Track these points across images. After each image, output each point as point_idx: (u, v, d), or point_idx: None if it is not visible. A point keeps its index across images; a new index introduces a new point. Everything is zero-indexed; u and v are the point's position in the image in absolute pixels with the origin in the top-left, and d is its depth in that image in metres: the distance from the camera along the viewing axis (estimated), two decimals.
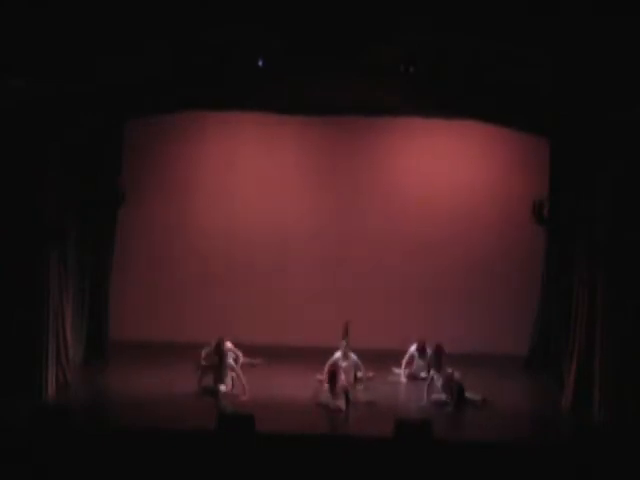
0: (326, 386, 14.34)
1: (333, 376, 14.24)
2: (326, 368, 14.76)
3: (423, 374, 15.58)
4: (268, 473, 11.64)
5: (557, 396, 14.64)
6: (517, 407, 14.41)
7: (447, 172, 18.11)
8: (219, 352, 14.81)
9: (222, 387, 14.59)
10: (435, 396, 14.38)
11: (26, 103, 13.20)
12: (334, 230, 18.19)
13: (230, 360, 14.89)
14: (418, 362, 15.91)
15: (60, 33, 12.26)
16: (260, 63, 13.14)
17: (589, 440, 11.73)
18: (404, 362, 15.87)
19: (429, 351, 15.66)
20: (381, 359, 16.15)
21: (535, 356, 16.93)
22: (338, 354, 15.13)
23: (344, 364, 14.99)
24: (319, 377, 15.00)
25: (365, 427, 13.29)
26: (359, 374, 15.30)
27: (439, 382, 14.54)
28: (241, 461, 11.70)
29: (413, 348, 15.92)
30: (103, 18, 12.09)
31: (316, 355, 15.50)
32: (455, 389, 14.23)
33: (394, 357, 16.07)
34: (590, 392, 13.82)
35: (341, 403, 13.85)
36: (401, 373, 15.86)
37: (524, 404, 14.71)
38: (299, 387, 14.94)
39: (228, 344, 15.30)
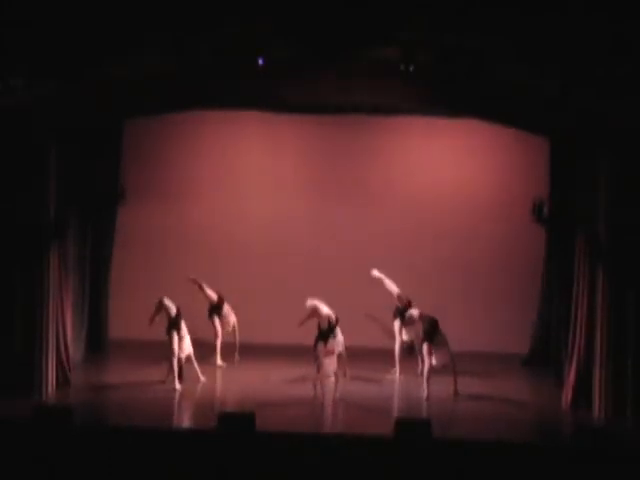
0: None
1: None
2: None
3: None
4: (268, 472, 11.65)
5: (557, 395, 14.65)
6: (517, 406, 14.41)
7: (447, 171, 18.12)
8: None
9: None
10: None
11: (26, 103, 13.20)
12: (334, 229, 18.21)
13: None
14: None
15: (60, 33, 12.26)
16: (260, 62, 13.12)
17: (589, 440, 11.72)
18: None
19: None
20: (379, 357, 16.21)
21: (535, 355, 16.95)
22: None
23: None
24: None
25: (364, 426, 13.31)
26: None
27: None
28: (241, 460, 11.70)
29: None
30: (103, 17, 12.09)
31: None
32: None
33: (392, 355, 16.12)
34: (590, 392, 13.84)
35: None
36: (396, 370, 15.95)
37: (524, 403, 14.71)
38: (299, 386, 14.94)
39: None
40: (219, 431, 11.83)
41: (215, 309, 16.31)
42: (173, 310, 14.99)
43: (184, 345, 14.86)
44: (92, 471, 11.49)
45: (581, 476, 11.49)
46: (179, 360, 14.77)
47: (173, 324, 14.89)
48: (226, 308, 16.32)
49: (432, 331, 14.66)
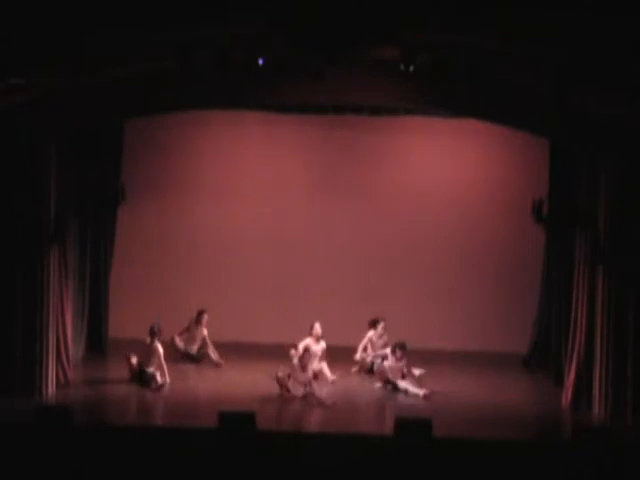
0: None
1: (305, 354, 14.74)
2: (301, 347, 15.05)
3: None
4: (269, 471, 11.66)
5: (557, 395, 14.65)
6: (517, 406, 14.42)
7: (447, 171, 18.11)
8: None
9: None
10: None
11: (26, 103, 13.21)
12: (334, 229, 18.19)
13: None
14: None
15: (60, 33, 12.25)
16: (260, 62, 13.12)
17: (589, 439, 11.73)
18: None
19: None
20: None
21: (535, 355, 16.94)
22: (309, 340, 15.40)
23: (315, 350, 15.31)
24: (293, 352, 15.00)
25: (364, 426, 13.32)
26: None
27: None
28: (242, 459, 11.71)
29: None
30: (103, 17, 12.08)
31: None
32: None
33: None
34: (590, 392, 13.85)
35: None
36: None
37: (524, 403, 14.72)
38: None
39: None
40: (220, 430, 11.85)
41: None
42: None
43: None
44: (92, 471, 11.50)
45: (581, 476, 11.50)
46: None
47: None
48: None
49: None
